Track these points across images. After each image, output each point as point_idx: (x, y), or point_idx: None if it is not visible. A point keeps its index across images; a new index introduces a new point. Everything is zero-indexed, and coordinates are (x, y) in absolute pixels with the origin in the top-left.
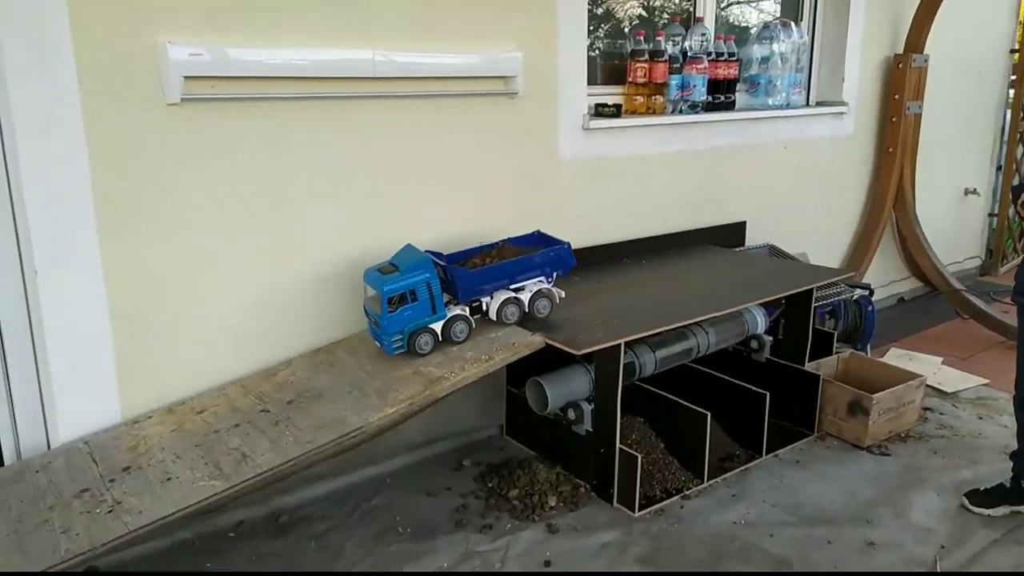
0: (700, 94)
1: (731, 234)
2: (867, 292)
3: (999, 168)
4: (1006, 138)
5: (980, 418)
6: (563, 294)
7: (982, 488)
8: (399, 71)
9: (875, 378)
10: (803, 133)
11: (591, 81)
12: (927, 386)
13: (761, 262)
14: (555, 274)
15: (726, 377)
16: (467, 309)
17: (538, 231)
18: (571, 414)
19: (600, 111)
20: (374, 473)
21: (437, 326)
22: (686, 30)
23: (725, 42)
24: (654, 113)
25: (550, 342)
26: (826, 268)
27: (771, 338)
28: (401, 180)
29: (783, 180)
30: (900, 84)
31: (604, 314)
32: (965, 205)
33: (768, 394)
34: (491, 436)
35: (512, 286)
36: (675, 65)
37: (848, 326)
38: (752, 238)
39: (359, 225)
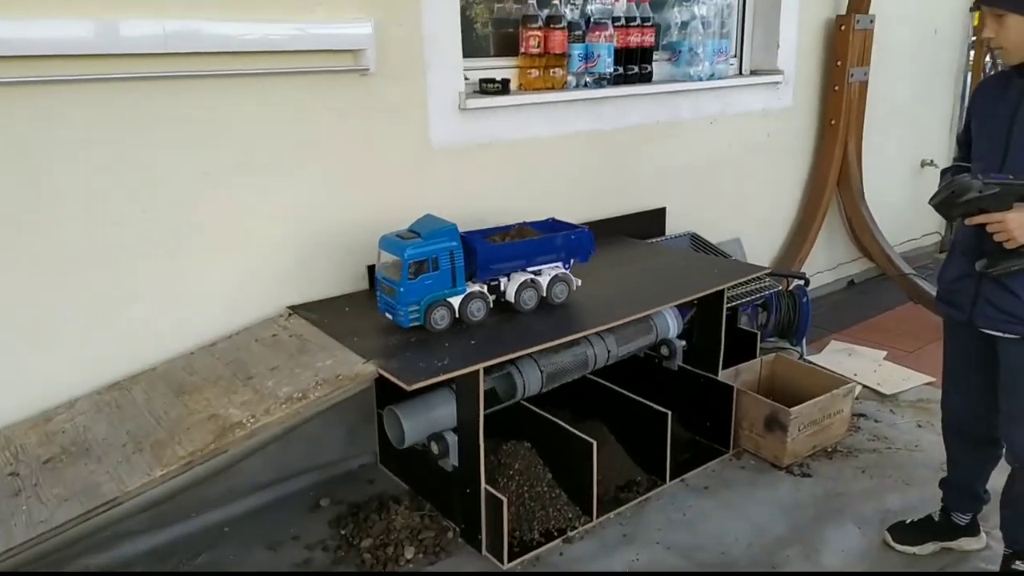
0: (606, 65)
1: (649, 222)
2: (802, 282)
3: None
4: (967, 105)
5: (919, 426)
6: (579, 282)
7: (908, 520)
8: (202, 46)
9: (802, 384)
10: (732, 107)
11: (479, 53)
12: (864, 387)
13: (676, 256)
14: (572, 261)
15: (626, 392)
16: (485, 287)
17: (552, 218)
18: (435, 447)
19: (485, 88)
20: (213, 520)
21: (455, 301)
22: None
23: (638, 5)
24: (552, 88)
25: (382, 372)
26: (743, 264)
27: (684, 343)
28: (211, 180)
29: (710, 160)
30: (843, 49)
31: (473, 328)
32: (922, 178)
33: (670, 413)
34: (363, 466)
35: (530, 268)
36: (576, 33)
37: (781, 320)
38: (676, 225)
39: (145, 235)
